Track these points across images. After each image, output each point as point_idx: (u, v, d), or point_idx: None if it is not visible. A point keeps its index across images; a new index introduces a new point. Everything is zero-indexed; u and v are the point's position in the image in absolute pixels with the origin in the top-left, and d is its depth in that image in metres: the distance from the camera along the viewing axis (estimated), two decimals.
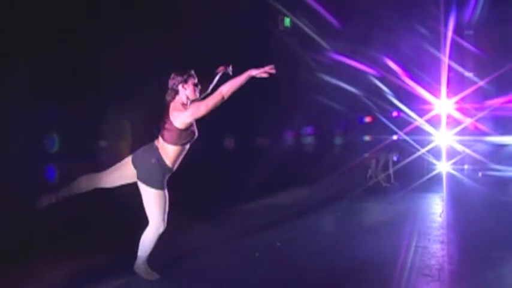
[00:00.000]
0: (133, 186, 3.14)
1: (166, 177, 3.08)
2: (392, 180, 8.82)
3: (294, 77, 9.21)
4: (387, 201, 6.81)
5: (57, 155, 4.86)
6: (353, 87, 9.61)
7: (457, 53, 8.94)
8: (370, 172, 9.10)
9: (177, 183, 4.33)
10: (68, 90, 4.71)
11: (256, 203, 6.24)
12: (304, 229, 4.91)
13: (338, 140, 11.09)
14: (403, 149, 9.20)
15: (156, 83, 5.33)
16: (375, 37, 8.89)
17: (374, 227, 4.95)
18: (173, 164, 3.04)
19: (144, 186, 3.02)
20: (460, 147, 9.09)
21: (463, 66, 9.15)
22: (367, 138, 10.35)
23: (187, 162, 3.21)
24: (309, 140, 10.51)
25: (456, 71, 9.05)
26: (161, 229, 3.08)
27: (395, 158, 8.75)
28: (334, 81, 9.33)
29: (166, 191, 3.07)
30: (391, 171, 8.80)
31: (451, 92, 9.14)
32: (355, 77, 9.40)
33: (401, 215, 5.79)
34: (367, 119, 10.77)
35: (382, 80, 9.57)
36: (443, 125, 9.44)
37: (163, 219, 3.08)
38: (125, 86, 5.36)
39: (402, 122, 9.62)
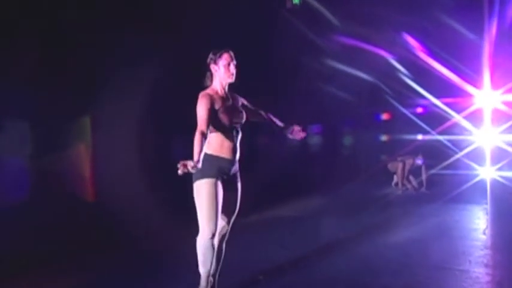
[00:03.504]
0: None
1: (225, 171, 3.14)
2: (424, 189, 8.82)
3: (303, 65, 9.18)
4: (418, 214, 6.79)
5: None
6: (373, 78, 9.57)
7: (503, 35, 8.78)
8: (395, 179, 9.11)
9: (170, 194, 5.05)
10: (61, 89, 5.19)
11: (258, 215, 6.26)
12: (315, 246, 4.88)
13: (353, 141, 11.09)
14: (435, 151, 9.20)
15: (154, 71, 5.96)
16: (400, 16, 8.77)
17: (401, 245, 4.92)
18: (218, 151, 3.10)
19: (193, 184, 3.12)
20: (508, 149, 8.96)
21: (511, 50, 9.00)
22: (388, 138, 10.37)
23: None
24: (318, 140, 10.45)
25: (503, 57, 8.89)
26: (208, 232, 3.07)
27: (420, 162, 8.79)
28: (350, 70, 9.35)
29: (219, 187, 3.09)
30: (424, 177, 8.84)
31: (497, 81, 9.00)
32: (375, 65, 9.34)
33: (436, 231, 5.74)
34: (389, 116, 10.79)
35: (409, 68, 9.49)
36: (486, 122, 9.31)
37: (212, 220, 3.06)
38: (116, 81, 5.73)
39: (434, 119, 9.57)
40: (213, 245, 3.11)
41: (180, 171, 2.68)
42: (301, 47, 8.92)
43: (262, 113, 3.43)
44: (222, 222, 3.25)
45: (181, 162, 2.67)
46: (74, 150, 5.64)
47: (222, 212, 3.21)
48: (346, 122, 10.85)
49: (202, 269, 3.15)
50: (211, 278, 3.22)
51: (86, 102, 5.57)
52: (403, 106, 10.02)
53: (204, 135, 2.91)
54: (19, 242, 4.26)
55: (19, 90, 4.81)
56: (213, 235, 3.08)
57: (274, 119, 3.45)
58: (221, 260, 3.31)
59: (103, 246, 4.68)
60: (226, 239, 3.33)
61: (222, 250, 3.31)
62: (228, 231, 3.32)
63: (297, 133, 3.43)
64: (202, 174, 3.04)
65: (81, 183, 5.62)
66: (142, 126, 6.20)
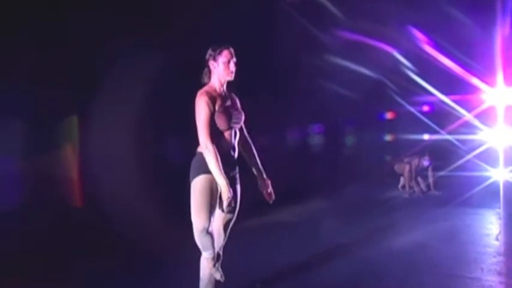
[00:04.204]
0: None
1: (224, 171, 3.08)
2: (433, 190, 8.91)
3: (303, 62, 9.20)
4: (426, 218, 6.79)
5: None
6: (376, 74, 9.56)
7: None
8: (402, 181, 9.16)
9: (170, 194, 5.29)
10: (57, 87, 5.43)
11: (254, 221, 6.21)
12: (315, 251, 4.92)
13: (356, 141, 11.12)
14: (444, 151, 9.33)
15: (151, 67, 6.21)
16: (406, 8, 8.73)
17: (407, 251, 4.92)
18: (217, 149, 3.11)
19: (191, 183, 3.14)
20: None
21: None
22: (393, 137, 10.41)
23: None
24: (319, 140, 10.45)
25: None
26: (199, 225, 3.07)
27: (426, 163, 8.86)
28: (352, 66, 9.36)
29: (215, 183, 3.08)
30: (430, 180, 8.93)
31: (510, 77, 8.92)
32: (379, 60, 9.35)
33: (445, 236, 5.75)
34: (393, 114, 10.83)
35: (415, 63, 9.45)
36: (499, 120, 9.25)
37: (203, 212, 3.06)
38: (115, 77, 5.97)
39: (443, 117, 9.55)
40: (208, 232, 3.09)
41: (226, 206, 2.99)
42: (301, 42, 8.89)
43: (248, 138, 3.39)
44: (219, 226, 3.28)
45: (226, 203, 2.96)
46: (71, 151, 5.87)
47: (220, 216, 3.24)
48: (348, 121, 10.87)
49: (205, 253, 3.21)
50: (217, 254, 3.27)
51: (84, 102, 5.77)
52: (409, 104, 10.01)
53: (213, 146, 2.99)
54: (18, 244, 4.49)
55: (16, 91, 5.03)
56: (205, 229, 3.05)
57: (255, 154, 3.39)
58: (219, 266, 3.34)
59: (102, 247, 4.90)
60: (223, 244, 3.33)
61: (219, 255, 3.32)
62: (227, 236, 3.33)
63: (266, 194, 3.37)
64: (199, 171, 3.07)
65: (80, 184, 5.87)
66: (143, 126, 6.39)
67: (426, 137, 9.70)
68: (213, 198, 3.06)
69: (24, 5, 5.17)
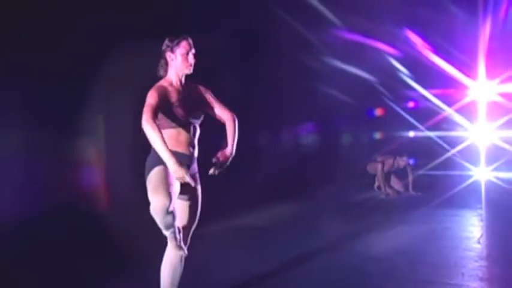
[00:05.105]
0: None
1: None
2: (412, 191, 9.01)
3: (290, 60, 9.24)
4: (403, 221, 6.81)
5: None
6: (360, 70, 9.60)
7: (499, 19, 8.80)
8: (377, 181, 9.25)
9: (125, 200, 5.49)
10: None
11: (218, 225, 6.16)
12: (286, 260, 4.85)
13: (338, 139, 11.13)
14: (423, 149, 9.37)
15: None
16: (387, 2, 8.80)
17: (385, 257, 4.90)
18: (173, 146, 3.03)
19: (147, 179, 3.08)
20: (505, 147, 9.08)
21: (509, 35, 9.02)
22: (377, 136, 10.44)
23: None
24: (301, 139, 10.43)
25: (500, 42, 8.90)
26: (160, 203, 2.90)
27: (405, 162, 8.95)
28: (332, 60, 9.43)
29: (170, 175, 2.97)
30: (410, 179, 9.03)
31: (493, 70, 9.02)
32: (355, 54, 9.38)
33: (424, 240, 5.76)
34: (379, 112, 10.86)
35: (394, 56, 9.53)
36: (481, 116, 9.35)
37: (159, 192, 2.92)
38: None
39: (422, 113, 9.66)
40: (169, 212, 2.92)
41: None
42: (289, 40, 8.87)
43: (227, 114, 3.27)
44: (180, 228, 3.21)
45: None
46: (72, 153, 5.95)
47: (179, 221, 3.17)
48: (333, 120, 10.81)
49: (167, 232, 3.07)
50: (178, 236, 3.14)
51: (91, 103, 5.92)
52: (389, 100, 10.02)
53: (155, 123, 2.82)
54: (18, 247, 4.61)
55: (18, 91, 5.21)
56: (166, 207, 2.87)
57: (235, 133, 3.22)
58: (178, 278, 3.31)
59: (105, 250, 4.94)
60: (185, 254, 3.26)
61: (181, 264, 3.31)
62: (187, 244, 3.28)
63: (217, 158, 3.12)
64: (153, 164, 3.01)
65: (82, 188, 5.98)
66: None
67: (409, 134, 9.78)
68: (170, 181, 2.94)
69: (24, 4, 5.25)
